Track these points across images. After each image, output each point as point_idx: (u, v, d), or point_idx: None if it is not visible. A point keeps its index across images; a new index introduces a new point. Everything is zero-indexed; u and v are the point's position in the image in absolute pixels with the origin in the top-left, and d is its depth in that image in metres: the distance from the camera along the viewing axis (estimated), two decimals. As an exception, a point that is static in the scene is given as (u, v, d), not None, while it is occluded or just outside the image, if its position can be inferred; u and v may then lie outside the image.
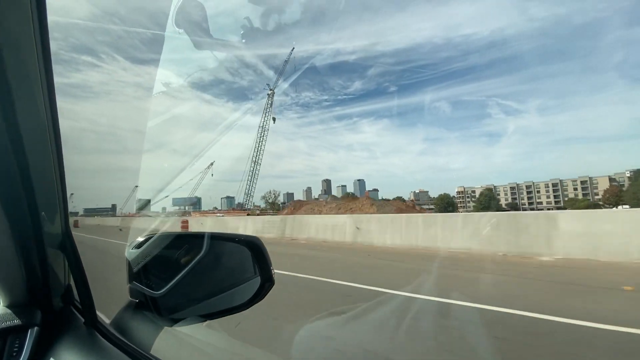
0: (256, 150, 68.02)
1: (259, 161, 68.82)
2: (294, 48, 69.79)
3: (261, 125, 67.95)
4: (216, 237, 0.74)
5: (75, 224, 18.97)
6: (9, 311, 0.71)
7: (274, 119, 70.53)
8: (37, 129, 0.59)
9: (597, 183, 77.20)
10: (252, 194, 69.16)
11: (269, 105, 68.93)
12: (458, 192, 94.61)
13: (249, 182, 68.23)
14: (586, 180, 78.72)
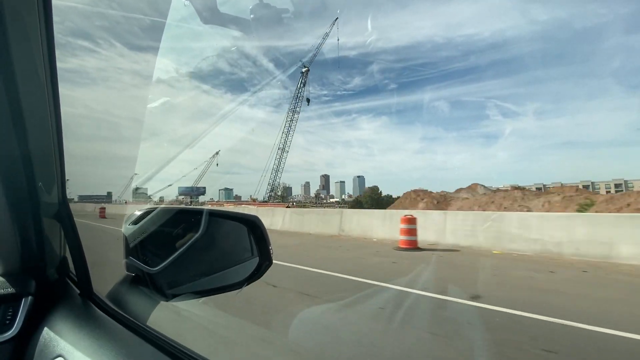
0: (285, 135, 61.62)
1: (287, 149, 62.71)
2: (337, 18, 59.49)
3: (291, 108, 61.37)
4: (215, 214, 0.75)
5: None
6: (2, 279, 0.72)
7: (308, 100, 63.14)
8: (36, 97, 0.59)
9: (633, 187, 75.80)
10: (278, 184, 64.89)
11: (301, 85, 61.44)
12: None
13: (274, 171, 63.32)
14: (621, 183, 76.69)
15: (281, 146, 62.10)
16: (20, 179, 0.63)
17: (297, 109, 61.71)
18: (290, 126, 62.17)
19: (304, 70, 62.80)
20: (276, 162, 63.01)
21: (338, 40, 60.18)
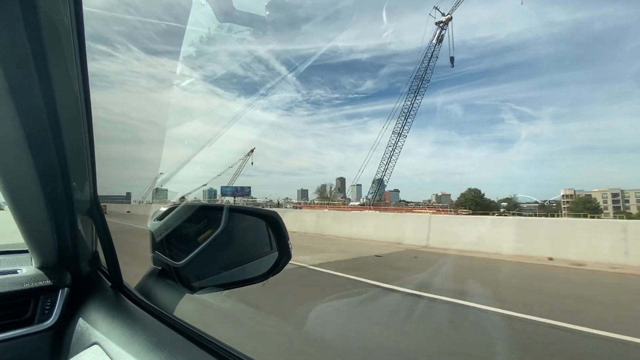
0: (406, 110, 48.46)
1: (405, 133, 50.57)
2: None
3: (417, 74, 47.25)
4: (235, 210, 0.79)
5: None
6: (40, 272, 0.79)
7: (452, 60, 47.91)
8: (72, 107, 0.65)
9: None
10: (386, 179, 53.09)
11: (436, 45, 46.00)
12: (565, 196, 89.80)
13: (385, 162, 52.34)
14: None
15: (400, 131, 50.55)
16: (57, 179, 0.70)
17: (428, 76, 45.58)
18: (415, 98, 47.60)
19: (440, 21, 44.59)
20: (391, 147, 51.35)
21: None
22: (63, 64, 0.59)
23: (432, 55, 48.14)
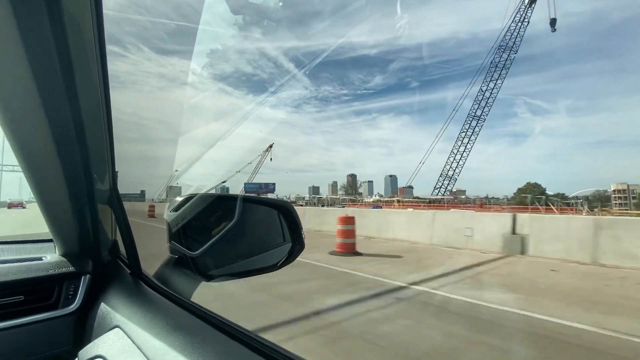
0: (494, 72, 39.27)
1: (484, 117, 42.99)
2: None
3: (495, 62, 38.24)
4: (248, 200, 0.82)
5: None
6: (64, 259, 0.85)
7: (552, 24, 38.80)
8: (93, 104, 0.69)
9: None
10: (459, 169, 44.58)
11: (523, 15, 38.58)
12: (616, 191, 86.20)
13: (460, 149, 44.71)
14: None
15: (474, 113, 43.83)
16: (79, 172, 0.74)
17: (520, 31, 34.96)
18: (492, 90, 40.17)
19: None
20: (460, 139, 45.14)
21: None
22: (87, 66, 0.63)
23: (522, 19, 37.17)
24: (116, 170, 0.84)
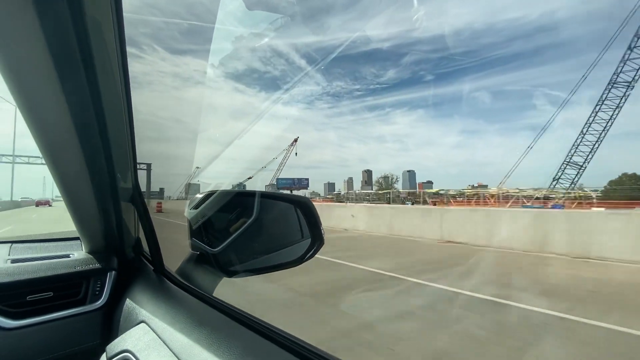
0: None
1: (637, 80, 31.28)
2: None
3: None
4: (267, 196, 0.82)
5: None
6: (90, 256, 0.89)
7: None
8: (115, 104, 0.71)
9: None
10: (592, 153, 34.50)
11: None
12: None
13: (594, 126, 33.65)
14: None
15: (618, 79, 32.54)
16: (103, 171, 0.77)
17: None
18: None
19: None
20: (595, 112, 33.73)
21: None
22: (109, 68, 0.65)
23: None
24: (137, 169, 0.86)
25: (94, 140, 0.71)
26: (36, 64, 0.56)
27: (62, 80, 0.59)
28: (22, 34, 0.51)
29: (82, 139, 0.68)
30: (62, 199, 0.80)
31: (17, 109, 0.62)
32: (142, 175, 0.91)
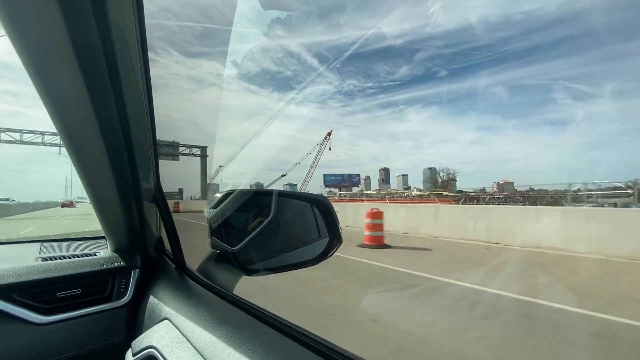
0: None
1: None
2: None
3: None
4: (284, 195, 0.84)
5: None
6: (115, 255, 0.94)
7: None
8: (138, 107, 0.74)
9: None
10: None
11: None
12: None
13: None
14: None
15: None
16: (127, 172, 0.81)
17: None
18: None
19: None
20: None
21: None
22: (131, 72, 0.68)
23: None
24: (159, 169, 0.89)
25: (118, 144, 0.75)
26: (62, 69, 0.59)
27: (88, 85, 0.62)
28: (50, 42, 0.55)
29: (107, 142, 0.72)
30: (85, 200, 0.85)
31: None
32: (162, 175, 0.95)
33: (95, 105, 0.65)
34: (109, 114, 0.69)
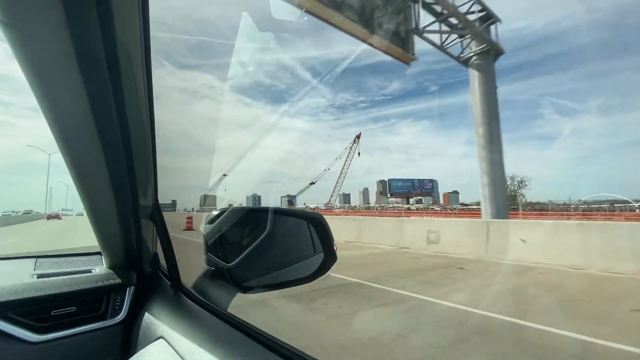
0: None
1: None
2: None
3: None
4: (280, 212, 0.87)
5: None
6: (111, 272, 0.95)
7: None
8: (138, 123, 0.75)
9: None
10: None
11: None
12: None
13: None
14: None
15: None
16: (125, 189, 0.83)
17: None
18: None
19: None
20: None
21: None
22: (133, 86, 0.69)
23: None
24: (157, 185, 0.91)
25: (119, 161, 0.77)
26: (63, 80, 0.59)
27: (90, 99, 0.63)
28: (55, 53, 0.55)
29: (108, 159, 0.74)
30: (72, 212, 0.87)
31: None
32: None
33: (96, 121, 0.67)
34: (111, 130, 0.71)
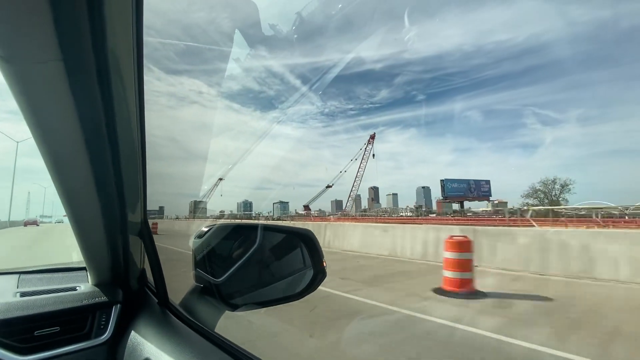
0: None
1: None
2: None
3: None
4: (269, 229, 0.87)
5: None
6: (97, 289, 0.92)
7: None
8: (129, 140, 0.73)
9: None
10: None
11: None
12: None
13: None
14: None
15: None
16: (114, 204, 0.81)
17: None
18: None
19: None
20: None
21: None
22: (123, 94, 0.67)
23: None
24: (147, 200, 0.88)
25: (107, 175, 0.74)
26: (49, 91, 0.57)
27: (78, 110, 0.60)
28: (41, 62, 0.52)
29: (96, 173, 0.72)
30: (50, 219, 0.82)
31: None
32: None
33: (85, 133, 0.64)
34: (100, 146, 0.69)
